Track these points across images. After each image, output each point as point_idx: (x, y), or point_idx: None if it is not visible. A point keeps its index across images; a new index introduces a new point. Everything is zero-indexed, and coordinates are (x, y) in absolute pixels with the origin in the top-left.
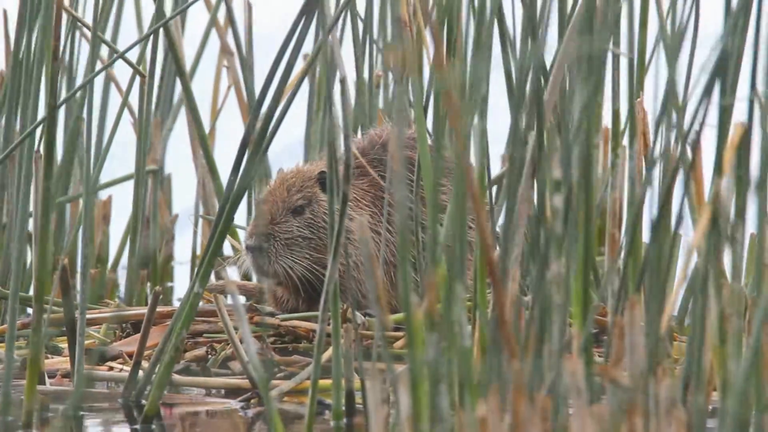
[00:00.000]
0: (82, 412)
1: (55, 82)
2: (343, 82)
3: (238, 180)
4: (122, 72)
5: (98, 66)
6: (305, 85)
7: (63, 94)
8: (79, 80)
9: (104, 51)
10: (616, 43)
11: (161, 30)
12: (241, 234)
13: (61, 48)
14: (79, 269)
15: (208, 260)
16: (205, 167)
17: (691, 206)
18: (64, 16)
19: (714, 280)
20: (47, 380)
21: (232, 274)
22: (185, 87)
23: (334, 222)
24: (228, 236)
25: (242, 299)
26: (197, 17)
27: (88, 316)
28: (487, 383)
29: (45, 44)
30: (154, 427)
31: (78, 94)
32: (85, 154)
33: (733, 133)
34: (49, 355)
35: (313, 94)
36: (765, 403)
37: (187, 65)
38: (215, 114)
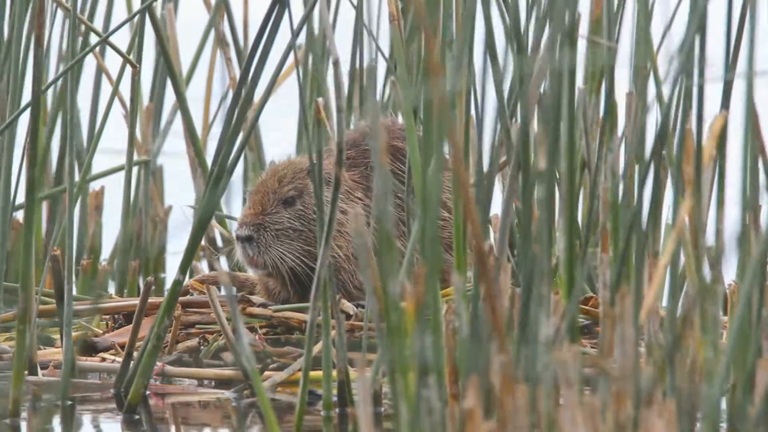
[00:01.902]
0: (70, 402)
1: (40, 70)
2: (336, 65)
3: (217, 167)
4: (115, 64)
5: (89, 57)
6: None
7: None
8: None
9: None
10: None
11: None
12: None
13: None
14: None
15: (190, 249)
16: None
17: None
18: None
19: (695, 268)
20: (39, 371)
21: (224, 264)
22: (172, 76)
23: (322, 210)
24: (221, 227)
25: (233, 290)
26: (193, 9)
27: (82, 306)
28: (471, 373)
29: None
30: (137, 416)
31: (64, 83)
32: (67, 145)
33: (715, 123)
34: (42, 347)
35: (306, 83)
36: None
37: (183, 57)
38: (208, 105)
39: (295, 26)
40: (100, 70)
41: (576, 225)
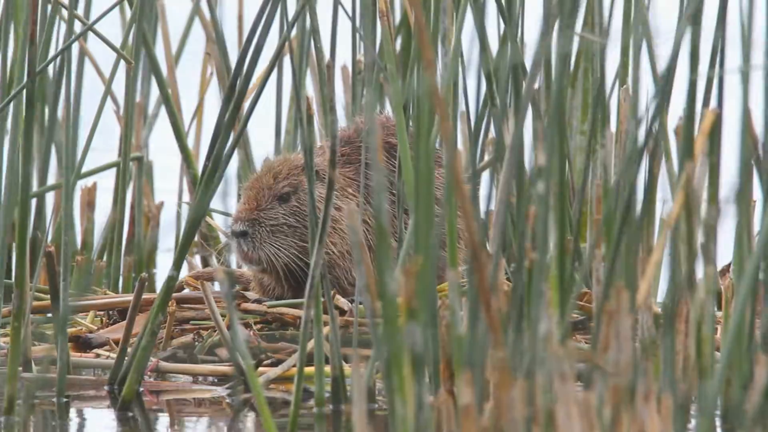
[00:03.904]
0: (65, 398)
1: (33, 67)
2: (329, 67)
3: (211, 163)
4: (107, 61)
5: (86, 59)
6: (288, 73)
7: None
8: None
9: (91, 45)
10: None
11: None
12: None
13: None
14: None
15: (183, 245)
16: (190, 153)
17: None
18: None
19: (687, 266)
20: (34, 367)
21: (214, 261)
22: (157, 74)
23: (314, 207)
24: (214, 223)
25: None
26: (184, 5)
27: (75, 303)
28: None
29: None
30: (131, 414)
31: (54, 79)
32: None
33: (705, 120)
34: (36, 343)
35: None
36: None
37: (174, 53)
38: (201, 101)
39: (286, 23)
40: (83, 69)
41: (568, 220)
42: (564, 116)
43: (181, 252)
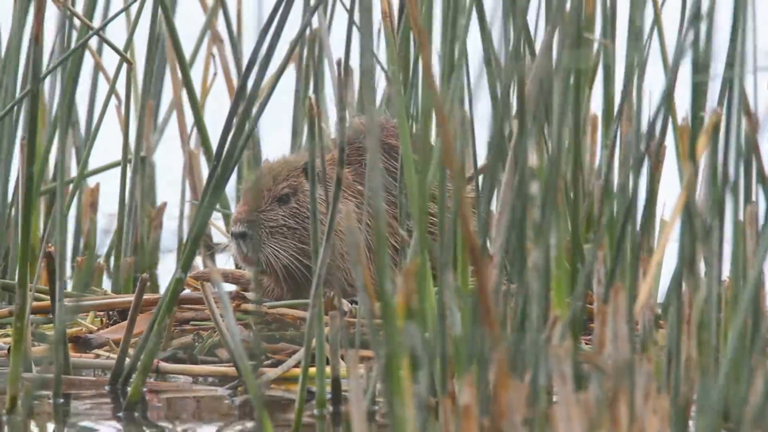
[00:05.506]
0: (63, 399)
1: (38, 67)
2: (339, 64)
3: (221, 162)
4: (112, 62)
5: (87, 57)
6: (292, 70)
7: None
8: (82, 75)
9: (93, 43)
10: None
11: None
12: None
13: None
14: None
15: (191, 246)
16: (193, 153)
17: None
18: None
19: (688, 268)
20: (33, 368)
21: (220, 261)
22: (172, 71)
23: (316, 209)
24: (217, 224)
25: (228, 287)
26: (188, 5)
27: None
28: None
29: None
30: (137, 414)
31: (61, 79)
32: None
33: (708, 121)
34: (36, 343)
35: (300, 79)
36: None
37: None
38: (203, 101)
39: (294, 25)
40: (98, 68)
41: (572, 220)
42: (564, 116)
43: (189, 254)
